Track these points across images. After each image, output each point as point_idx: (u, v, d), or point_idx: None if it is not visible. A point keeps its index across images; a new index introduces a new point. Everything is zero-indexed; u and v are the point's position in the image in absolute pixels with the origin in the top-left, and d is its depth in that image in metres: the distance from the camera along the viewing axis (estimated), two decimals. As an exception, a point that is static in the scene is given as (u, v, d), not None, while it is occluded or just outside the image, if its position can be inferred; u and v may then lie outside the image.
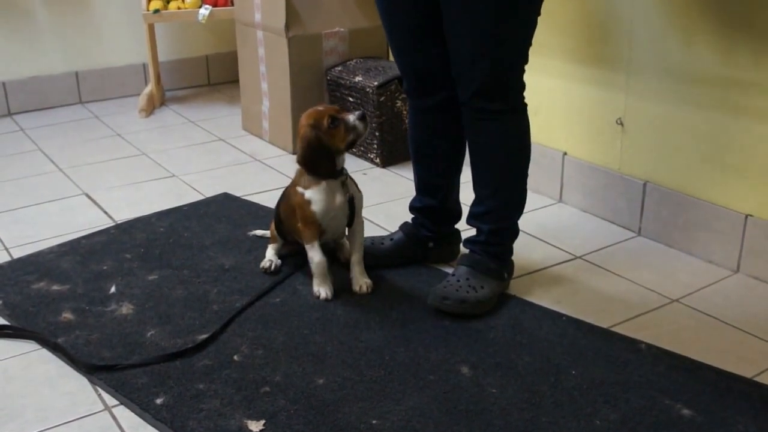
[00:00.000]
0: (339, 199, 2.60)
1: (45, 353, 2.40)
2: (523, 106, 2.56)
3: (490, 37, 2.38)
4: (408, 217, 2.90)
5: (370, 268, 2.78)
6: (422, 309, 2.57)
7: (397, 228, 2.91)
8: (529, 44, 2.47)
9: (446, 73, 2.57)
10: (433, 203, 2.83)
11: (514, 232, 2.69)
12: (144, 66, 5.12)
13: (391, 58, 3.59)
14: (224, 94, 5.21)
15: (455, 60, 2.49)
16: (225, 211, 3.35)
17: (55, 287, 2.74)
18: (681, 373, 2.25)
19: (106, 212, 3.38)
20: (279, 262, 2.85)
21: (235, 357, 2.34)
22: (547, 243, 3.03)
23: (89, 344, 2.41)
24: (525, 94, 2.54)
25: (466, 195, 2.72)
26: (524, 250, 2.93)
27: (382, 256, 2.84)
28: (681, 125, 2.89)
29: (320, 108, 2.57)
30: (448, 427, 2.05)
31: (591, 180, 3.25)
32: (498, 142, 2.56)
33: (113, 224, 3.25)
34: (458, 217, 2.89)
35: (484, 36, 2.39)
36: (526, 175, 2.63)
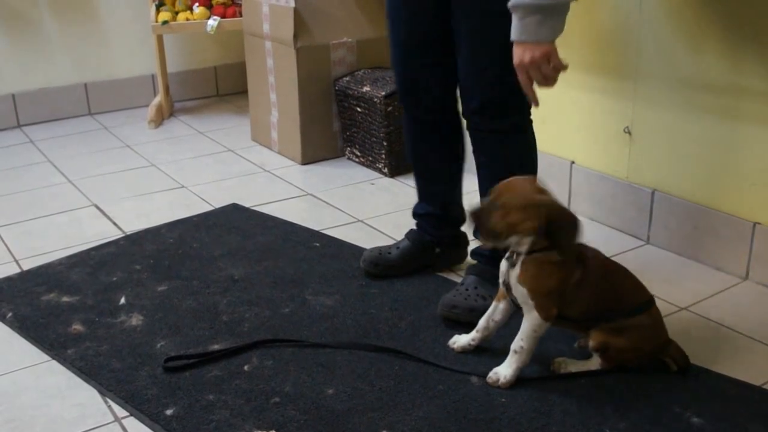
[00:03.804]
0: None
1: (55, 365, 2.41)
2: (527, 124, 2.55)
3: (495, 56, 2.37)
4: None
5: (378, 279, 2.80)
6: (431, 318, 2.57)
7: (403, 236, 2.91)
8: None
9: (443, 86, 2.58)
10: (434, 211, 2.83)
11: None
12: (153, 77, 5.14)
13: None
14: (233, 105, 5.22)
15: (460, 75, 2.50)
16: (234, 221, 3.35)
17: (64, 299, 2.75)
18: (691, 382, 2.25)
19: (115, 223, 3.39)
20: None
21: (245, 367, 2.34)
22: (556, 252, 3.03)
23: (99, 355, 2.42)
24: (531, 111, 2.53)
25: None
26: (533, 259, 2.93)
27: (390, 266, 2.83)
28: (689, 133, 2.89)
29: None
30: (457, 436, 2.06)
31: (599, 189, 3.25)
32: (501, 160, 2.55)
33: (123, 235, 3.25)
34: (462, 222, 2.87)
35: (489, 54, 2.39)
36: None
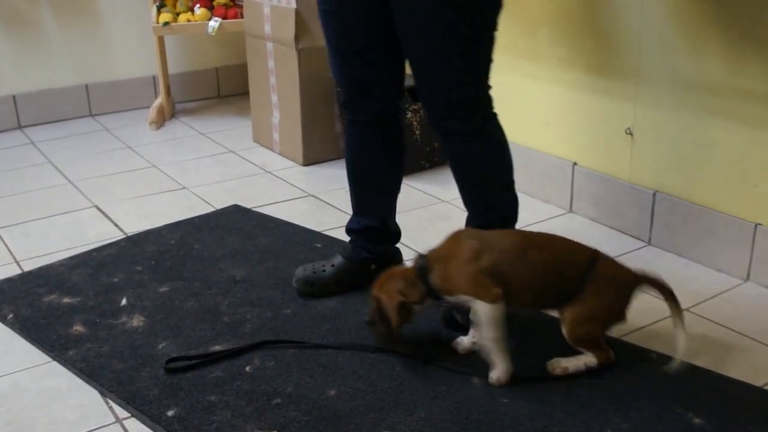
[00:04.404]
0: None
1: (56, 366, 2.41)
2: (491, 120, 2.53)
3: (444, 60, 2.36)
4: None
5: (315, 299, 2.73)
6: (433, 320, 2.56)
7: (392, 249, 2.86)
8: (489, 61, 2.43)
9: (387, 85, 2.55)
10: (372, 224, 2.75)
11: None
12: (154, 78, 5.14)
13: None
14: (234, 106, 5.22)
15: (417, 83, 2.46)
16: (235, 222, 3.35)
17: (66, 300, 2.75)
18: (692, 382, 2.25)
19: (116, 225, 3.39)
20: None
21: (247, 368, 2.34)
22: (557, 253, 3.03)
23: (100, 357, 2.42)
24: (495, 105, 2.50)
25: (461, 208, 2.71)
26: (534, 260, 2.93)
27: (325, 285, 2.74)
28: (690, 134, 2.89)
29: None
30: (459, 437, 2.06)
31: (601, 190, 3.25)
32: (475, 163, 2.53)
33: (124, 237, 3.25)
34: (398, 237, 2.84)
35: (439, 59, 2.36)
36: (512, 183, 2.62)
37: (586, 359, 2.28)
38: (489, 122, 2.52)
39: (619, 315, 2.30)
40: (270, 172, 3.99)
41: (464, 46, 2.34)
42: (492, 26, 2.39)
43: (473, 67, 2.40)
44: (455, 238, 2.31)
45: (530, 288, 2.25)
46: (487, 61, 2.43)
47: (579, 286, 2.24)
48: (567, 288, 2.24)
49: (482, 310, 2.20)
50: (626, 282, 2.31)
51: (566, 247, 2.32)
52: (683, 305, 2.65)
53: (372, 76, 2.54)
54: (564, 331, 2.26)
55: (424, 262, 2.28)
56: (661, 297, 2.32)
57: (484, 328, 2.22)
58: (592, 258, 2.28)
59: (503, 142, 2.57)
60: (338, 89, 2.68)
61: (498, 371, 2.25)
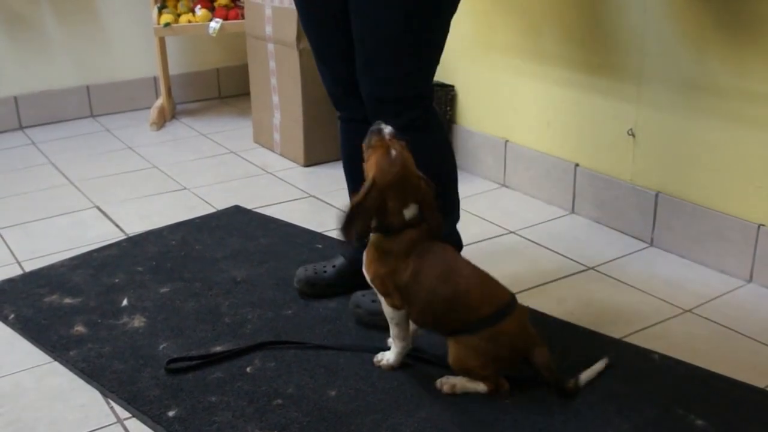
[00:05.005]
0: None
1: (57, 366, 2.41)
2: (427, 120, 2.50)
3: (379, 52, 2.36)
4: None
5: (316, 299, 2.72)
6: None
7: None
8: (434, 61, 2.43)
9: None
10: None
11: (455, 239, 2.62)
12: (155, 79, 5.14)
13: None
14: (235, 107, 5.22)
15: (357, 75, 2.47)
16: (236, 223, 3.35)
17: (67, 300, 2.74)
18: (694, 384, 2.24)
19: (117, 225, 3.38)
20: None
21: (248, 369, 2.34)
22: (560, 254, 3.02)
23: (101, 357, 2.41)
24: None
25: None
26: (536, 261, 2.93)
27: (327, 286, 2.73)
28: (693, 136, 2.88)
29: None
30: (460, 438, 2.05)
31: (603, 191, 3.24)
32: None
33: (125, 237, 3.25)
34: None
35: (375, 51, 2.37)
36: (453, 182, 2.60)
37: (476, 385, 2.21)
38: (419, 125, 2.47)
39: (508, 363, 2.20)
40: (271, 173, 3.99)
41: (402, 41, 2.34)
42: (439, 28, 2.39)
43: (406, 64, 2.39)
44: (410, 241, 2.18)
45: (428, 315, 2.19)
46: (426, 60, 2.43)
47: (475, 329, 2.14)
48: (462, 326, 2.16)
49: (384, 308, 2.25)
50: (525, 343, 2.17)
51: (482, 291, 2.18)
52: (686, 306, 2.65)
53: (352, 76, 2.53)
54: (449, 356, 2.20)
55: (380, 234, 2.21)
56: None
57: (389, 323, 2.28)
58: (499, 313, 2.15)
59: (437, 146, 2.55)
60: (329, 90, 2.66)
61: (387, 360, 2.32)
